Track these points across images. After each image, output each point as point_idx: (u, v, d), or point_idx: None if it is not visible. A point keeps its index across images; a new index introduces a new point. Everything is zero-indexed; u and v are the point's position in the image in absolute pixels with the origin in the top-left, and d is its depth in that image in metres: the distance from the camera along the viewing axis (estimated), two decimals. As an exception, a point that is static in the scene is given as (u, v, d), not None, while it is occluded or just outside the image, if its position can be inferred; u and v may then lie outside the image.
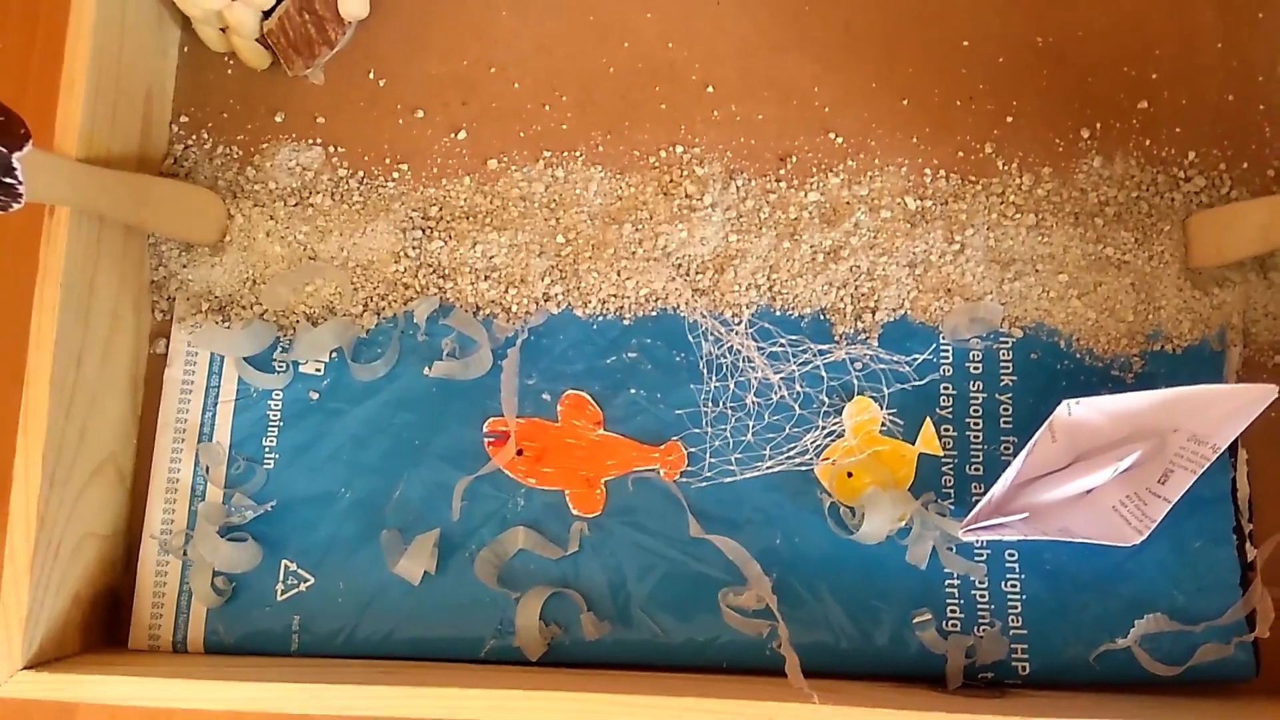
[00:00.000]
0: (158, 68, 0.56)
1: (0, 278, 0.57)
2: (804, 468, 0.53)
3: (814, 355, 0.53)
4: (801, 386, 0.53)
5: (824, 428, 0.53)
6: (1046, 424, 0.50)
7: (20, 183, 0.45)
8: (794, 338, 0.54)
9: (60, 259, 0.48)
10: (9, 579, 0.46)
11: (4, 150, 0.44)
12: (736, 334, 0.53)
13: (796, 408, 0.53)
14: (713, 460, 0.53)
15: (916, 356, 0.54)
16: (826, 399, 0.53)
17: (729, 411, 0.53)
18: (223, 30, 0.55)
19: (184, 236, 0.54)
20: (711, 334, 0.53)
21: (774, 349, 0.53)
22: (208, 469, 0.54)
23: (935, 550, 0.51)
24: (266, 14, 0.54)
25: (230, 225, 0.55)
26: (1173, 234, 0.55)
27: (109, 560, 0.53)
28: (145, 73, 0.55)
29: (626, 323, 0.55)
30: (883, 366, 0.54)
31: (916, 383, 0.53)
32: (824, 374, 0.53)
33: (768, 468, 0.52)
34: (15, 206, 0.45)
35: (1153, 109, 0.57)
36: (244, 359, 0.54)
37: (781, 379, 0.53)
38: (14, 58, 0.57)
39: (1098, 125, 0.56)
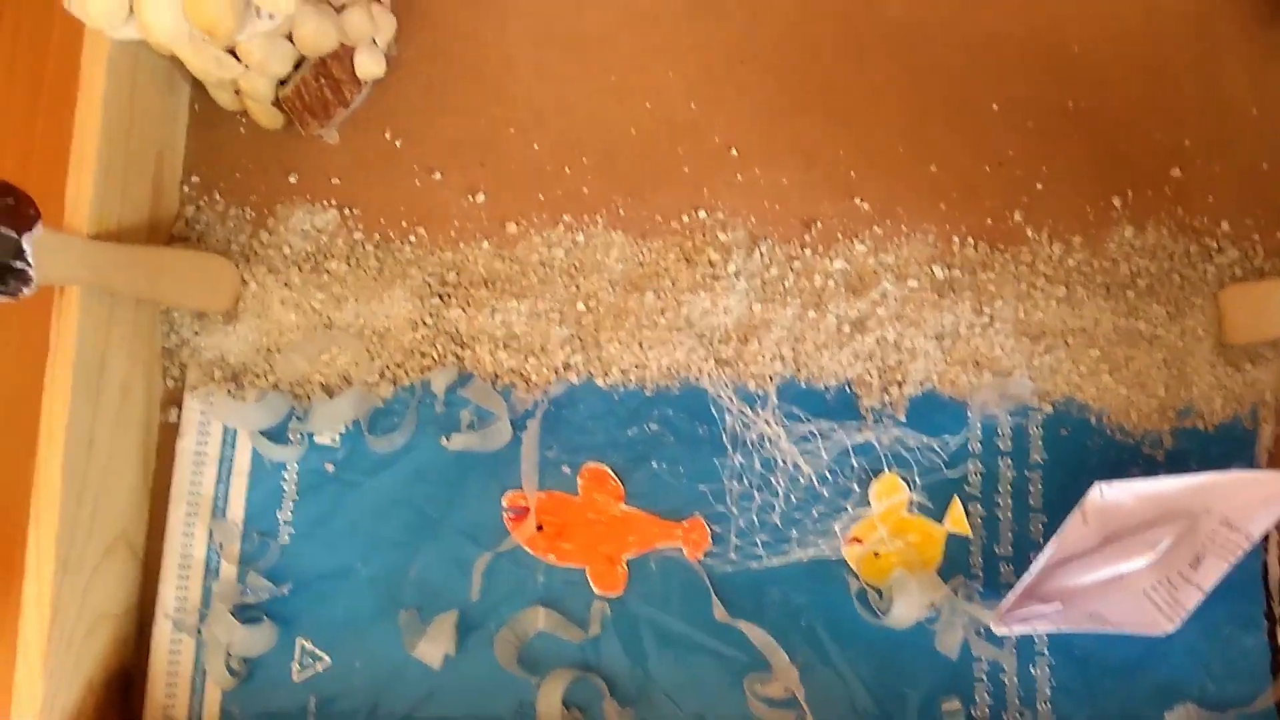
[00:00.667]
0: (169, 129, 0.55)
1: (7, 350, 0.55)
2: (833, 556, 0.52)
3: (843, 436, 0.52)
4: (829, 468, 0.52)
5: (851, 508, 0.52)
6: (1078, 508, 0.49)
7: (31, 266, 0.43)
8: (822, 421, 0.52)
9: (72, 340, 0.46)
10: (23, 674, 0.45)
11: (13, 234, 0.43)
12: (762, 418, 0.52)
13: (825, 492, 0.52)
14: (738, 542, 0.52)
15: (947, 439, 0.53)
16: (854, 481, 0.52)
17: (755, 493, 0.52)
18: (236, 92, 0.54)
19: (198, 306, 0.53)
20: (736, 412, 0.52)
21: (801, 430, 0.52)
22: (221, 545, 0.53)
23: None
24: (282, 81, 0.52)
25: (244, 291, 0.54)
26: (1205, 308, 0.54)
27: (122, 638, 0.51)
28: (156, 136, 0.53)
29: (648, 393, 0.54)
30: (911, 446, 0.53)
31: (947, 469, 0.52)
32: (852, 454, 0.52)
33: (795, 557, 0.51)
34: (26, 292, 0.44)
35: (1185, 177, 0.55)
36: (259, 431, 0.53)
37: (808, 461, 0.52)
38: (18, 119, 0.56)
39: (1129, 193, 0.55)
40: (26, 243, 0.43)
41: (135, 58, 0.50)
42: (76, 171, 0.47)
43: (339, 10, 0.50)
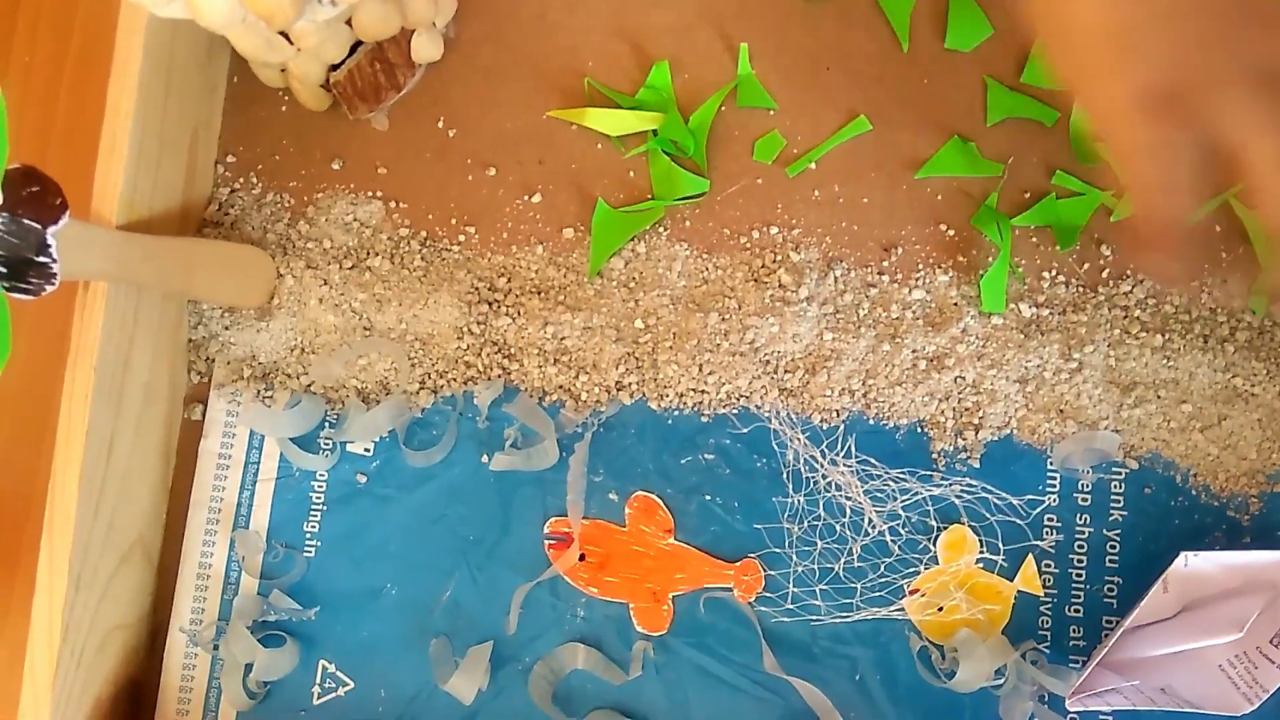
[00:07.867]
0: (206, 104, 0.51)
1: (22, 347, 0.51)
2: (897, 611, 0.49)
3: (915, 483, 0.49)
4: (899, 520, 0.49)
5: (921, 564, 0.49)
6: (1161, 578, 0.46)
7: (55, 260, 0.40)
8: (894, 471, 0.49)
9: (95, 340, 0.43)
10: (29, 696, 0.42)
11: (38, 226, 0.39)
12: (836, 464, 0.48)
13: (896, 549, 0.49)
14: (796, 590, 0.49)
15: (1025, 496, 0.49)
16: (923, 531, 0.49)
17: (816, 540, 0.49)
18: (282, 70, 0.49)
19: (231, 302, 0.49)
20: (804, 456, 0.49)
21: (871, 479, 0.49)
22: (244, 558, 0.49)
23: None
24: (334, 65, 0.48)
25: (279, 286, 0.50)
26: (1308, 368, 0.50)
27: (133, 648, 0.49)
28: (192, 112, 0.49)
29: (705, 420, 0.50)
30: (984, 497, 0.49)
31: (1020, 517, 0.49)
32: (928, 504, 0.49)
33: (858, 616, 0.48)
34: (49, 289, 0.40)
35: (1296, 223, 0.51)
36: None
37: (878, 514, 0.48)
38: (39, 91, 0.51)
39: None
40: (51, 236, 0.39)
41: (174, 27, 0.46)
42: (107, 155, 0.43)
43: (402, -8, 0.45)
